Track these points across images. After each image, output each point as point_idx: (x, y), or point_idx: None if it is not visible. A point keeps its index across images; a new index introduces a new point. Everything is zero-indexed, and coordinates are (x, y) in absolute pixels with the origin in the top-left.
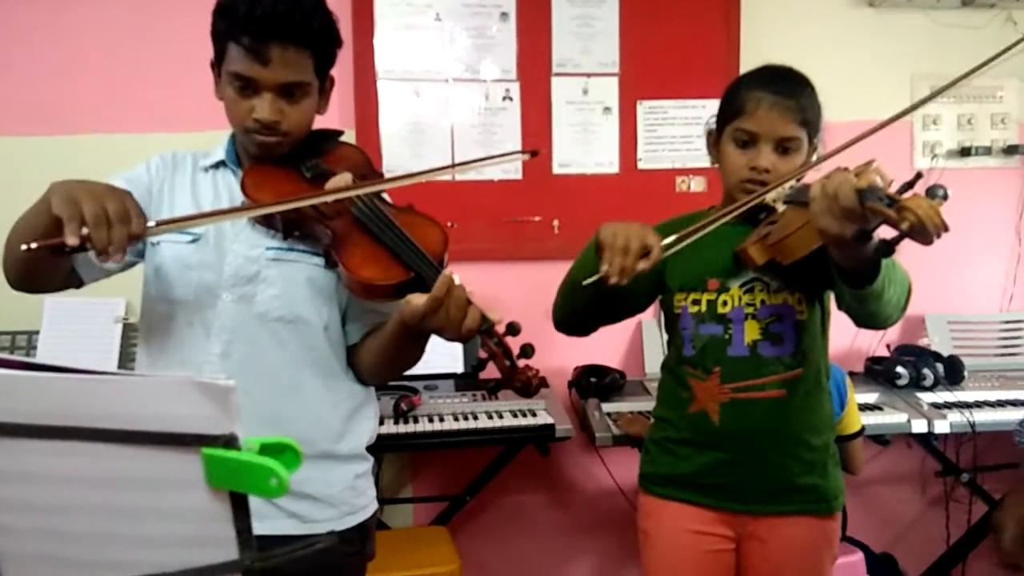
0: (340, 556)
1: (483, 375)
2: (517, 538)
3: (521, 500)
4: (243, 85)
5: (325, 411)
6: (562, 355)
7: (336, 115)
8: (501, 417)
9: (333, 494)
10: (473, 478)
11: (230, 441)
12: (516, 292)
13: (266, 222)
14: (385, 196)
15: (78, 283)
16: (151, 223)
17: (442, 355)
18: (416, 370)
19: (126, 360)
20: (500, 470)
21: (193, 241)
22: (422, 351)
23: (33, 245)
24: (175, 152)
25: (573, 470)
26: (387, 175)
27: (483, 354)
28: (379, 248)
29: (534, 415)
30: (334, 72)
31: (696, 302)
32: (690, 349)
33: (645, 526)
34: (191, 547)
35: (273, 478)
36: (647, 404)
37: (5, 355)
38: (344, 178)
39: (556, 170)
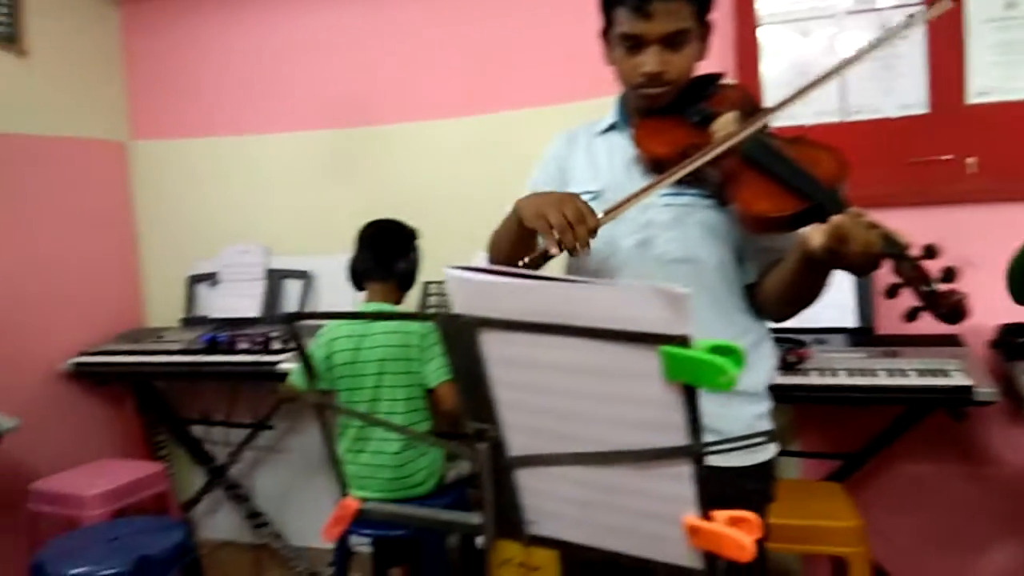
0: (747, 491)
1: (881, 328)
2: (922, 509)
3: (926, 469)
4: (631, 44)
5: None
6: (979, 312)
7: (715, 64)
8: (905, 375)
9: (735, 431)
10: (869, 439)
11: (684, 341)
12: (922, 242)
13: (656, 171)
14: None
15: None
16: (600, 215)
17: (833, 308)
18: (804, 322)
19: None
20: (902, 433)
21: (594, 198)
22: (823, 286)
23: (527, 260)
24: (569, 129)
25: (993, 441)
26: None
27: (897, 279)
28: (771, 181)
29: (946, 375)
30: (713, 20)
31: None
32: None
33: None
34: (646, 431)
35: (723, 374)
36: None
37: (510, 268)
38: (729, 118)
39: (971, 99)
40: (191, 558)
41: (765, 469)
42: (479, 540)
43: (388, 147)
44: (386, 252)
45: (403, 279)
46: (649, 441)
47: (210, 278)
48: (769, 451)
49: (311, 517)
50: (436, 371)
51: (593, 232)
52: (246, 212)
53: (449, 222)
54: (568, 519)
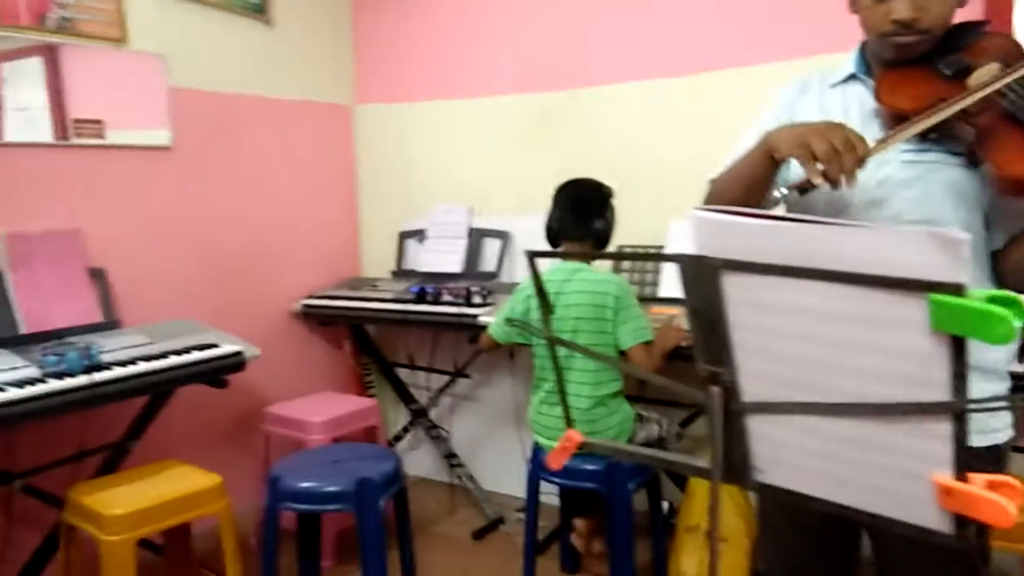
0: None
1: None
2: None
3: None
4: None
5: None
6: None
7: (959, 14)
8: None
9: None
10: None
11: (958, 289)
12: None
13: (897, 125)
14: None
15: None
16: (871, 144)
17: None
18: None
19: None
20: None
21: None
22: None
23: (784, 191)
24: (799, 77)
25: None
26: None
27: None
28: None
29: None
30: None
31: None
32: None
33: None
34: (900, 384)
35: (1004, 325)
36: None
37: (755, 210)
38: (990, 69)
39: None
40: (400, 486)
41: (997, 454)
42: (665, 504)
43: (588, 111)
44: (582, 211)
45: (598, 239)
46: (902, 395)
47: (419, 234)
48: (1001, 435)
49: (500, 465)
50: (631, 333)
51: (862, 162)
52: (453, 173)
53: (645, 186)
54: (800, 469)
